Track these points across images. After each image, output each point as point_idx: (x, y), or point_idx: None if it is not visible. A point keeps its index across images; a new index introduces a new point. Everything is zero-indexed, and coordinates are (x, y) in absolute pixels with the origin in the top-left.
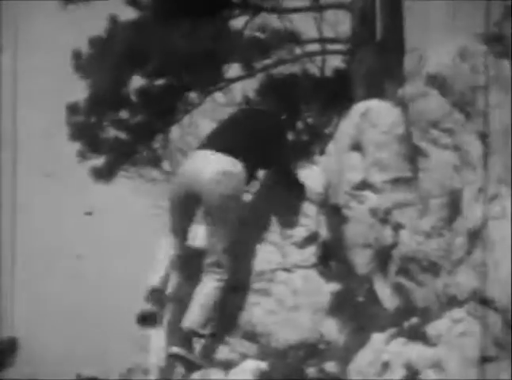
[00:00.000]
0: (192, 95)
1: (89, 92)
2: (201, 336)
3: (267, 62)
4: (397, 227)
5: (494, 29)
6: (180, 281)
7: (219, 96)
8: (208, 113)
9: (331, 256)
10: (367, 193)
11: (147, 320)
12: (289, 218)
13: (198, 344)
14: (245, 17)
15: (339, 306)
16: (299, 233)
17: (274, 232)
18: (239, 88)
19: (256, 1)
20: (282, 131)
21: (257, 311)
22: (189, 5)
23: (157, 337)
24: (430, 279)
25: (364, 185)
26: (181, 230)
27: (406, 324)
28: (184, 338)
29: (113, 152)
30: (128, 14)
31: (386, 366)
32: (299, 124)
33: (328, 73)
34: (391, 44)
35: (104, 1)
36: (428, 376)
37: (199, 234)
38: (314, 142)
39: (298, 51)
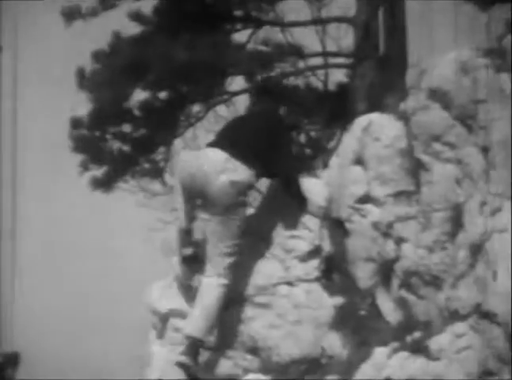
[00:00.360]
0: (195, 108)
1: (92, 106)
2: (204, 343)
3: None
4: (399, 241)
5: (495, 43)
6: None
7: (221, 109)
8: (211, 126)
9: (334, 270)
10: (369, 207)
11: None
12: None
13: (201, 357)
14: (248, 30)
15: (342, 320)
16: (302, 246)
17: (277, 245)
18: (242, 101)
19: (258, 14)
20: (287, 136)
21: (259, 325)
22: (192, 18)
23: (159, 352)
24: (433, 293)
25: (367, 199)
26: (186, 228)
27: (408, 338)
28: (189, 347)
29: (114, 163)
30: (131, 29)
31: None
32: (302, 138)
33: (331, 87)
34: (394, 58)
35: (107, 15)
36: None
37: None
38: (316, 156)
39: (301, 64)
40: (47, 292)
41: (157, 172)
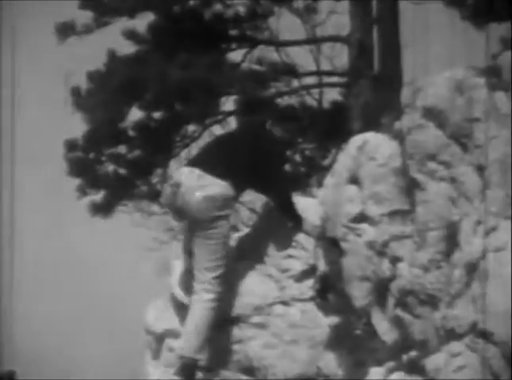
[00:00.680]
0: (190, 128)
1: (87, 126)
2: (197, 361)
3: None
4: (395, 260)
5: (490, 62)
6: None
7: (217, 128)
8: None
9: (329, 290)
10: (364, 226)
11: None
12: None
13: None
14: (243, 49)
15: (337, 340)
16: (297, 266)
17: (271, 265)
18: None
19: (253, 33)
20: (277, 153)
21: (254, 345)
22: (187, 37)
23: (155, 373)
24: (428, 312)
25: (362, 218)
26: (185, 247)
27: (404, 357)
28: (183, 367)
29: (112, 187)
30: (126, 47)
31: None
32: (297, 156)
33: (326, 105)
34: (389, 77)
35: (102, 32)
36: None
37: None
38: (311, 175)
39: (295, 83)
40: (41, 313)
41: (154, 195)
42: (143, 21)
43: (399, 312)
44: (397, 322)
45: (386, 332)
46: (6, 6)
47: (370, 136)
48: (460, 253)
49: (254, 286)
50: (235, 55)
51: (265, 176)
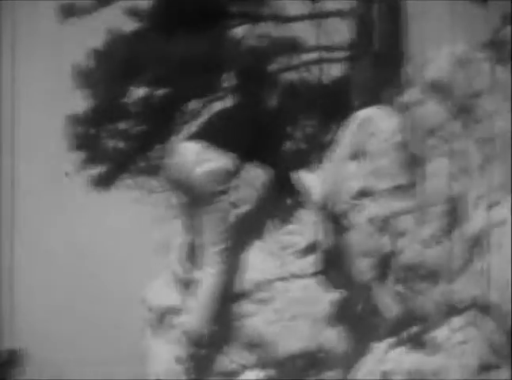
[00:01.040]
0: (191, 105)
1: (88, 103)
2: (203, 336)
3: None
4: (396, 236)
5: (492, 36)
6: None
7: (217, 105)
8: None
9: (330, 266)
10: (366, 202)
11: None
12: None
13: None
14: (244, 26)
15: (339, 315)
16: (299, 242)
17: (273, 242)
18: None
19: (254, 10)
20: (276, 127)
21: (256, 321)
22: (188, 14)
23: (157, 350)
24: (430, 288)
25: (363, 194)
26: (185, 223)
27: (405, 333)
28: (188, 342)
29: (112, 162)
30: (128, 25)
31: (386, 375)
32: (298, 133)
33: (326, 81)
34: (390, 52)
35: (103, 12)
36: None
37: None
38: (312, 151)
39: (296, 59)
40: (45, 291)
41: (154, 170)
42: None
43: (400, 287)
44: (398, 298)
45: (387, 307)
46: None
47: (371, 112)
48: (461, 228)
49: (256, 263)
50: (237, 32)
51: (264, 150)
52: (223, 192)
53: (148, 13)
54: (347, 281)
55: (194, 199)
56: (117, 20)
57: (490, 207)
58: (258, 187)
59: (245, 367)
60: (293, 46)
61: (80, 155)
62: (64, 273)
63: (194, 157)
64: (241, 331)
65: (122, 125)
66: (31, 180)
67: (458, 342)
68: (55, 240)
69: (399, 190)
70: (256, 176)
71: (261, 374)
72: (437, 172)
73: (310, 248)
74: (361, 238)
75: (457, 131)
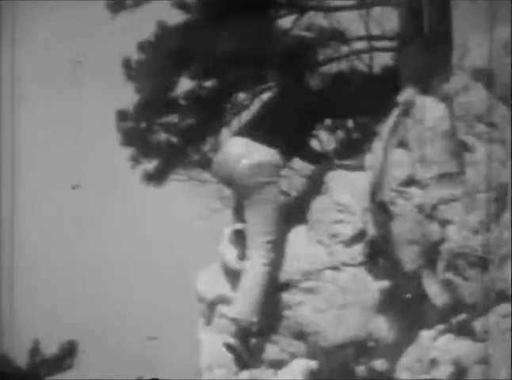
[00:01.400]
0: (241, 96)
1: (138, 97)
2: (251, 325)
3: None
4: (444, 223)
5: None
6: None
7: (266, 96)
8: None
9: (379, 254)
10: (413, 189)
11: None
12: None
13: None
14: (292, 16)
15: (388, 304)
16: (347, 231)
17: (321, 230)
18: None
19: (302, 0)
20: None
21: (305, 310)
22: (236, 5)
23: (208, 339)
24: (479, 275)
25: (411, 182)
26: (235, 214)
27: (454, 320)
28: (237, 330)
29: (164, 156)
30: (176, 18)
31: (434, 362)
32: (349, 122)
33: (376, 70)
34: (439, 40)
35: (151, 5)
36: (476, 372)
37: None
38: (365, 141)
39: (345, 49)
40: (46, 291)
41: (206, 163)
42: None
43: (450, 275)
44: (447, 285)
45: (436, 295)
46: None
47: (418, 99)
48: (509, 215)
49: (304, 252)
50: (284, 22)
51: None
52: (269, 184)
53: (196, 4)
54: (396, 269)
55: (242, 191)
56: (165, 13)
57: None
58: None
59: (294, 356)
60: (341, 35)
61: (132, 150)
62: (112, 261)
63: (240, 150)
64: (290, 320)
65: (173, 118)
66: (32, 178)
67: (506, 328)
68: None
69: (446, 177)
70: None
71: (311, 362)
72: (485, 159)
73: (358, 237)
74: (409, 226)
75: (505, 117)
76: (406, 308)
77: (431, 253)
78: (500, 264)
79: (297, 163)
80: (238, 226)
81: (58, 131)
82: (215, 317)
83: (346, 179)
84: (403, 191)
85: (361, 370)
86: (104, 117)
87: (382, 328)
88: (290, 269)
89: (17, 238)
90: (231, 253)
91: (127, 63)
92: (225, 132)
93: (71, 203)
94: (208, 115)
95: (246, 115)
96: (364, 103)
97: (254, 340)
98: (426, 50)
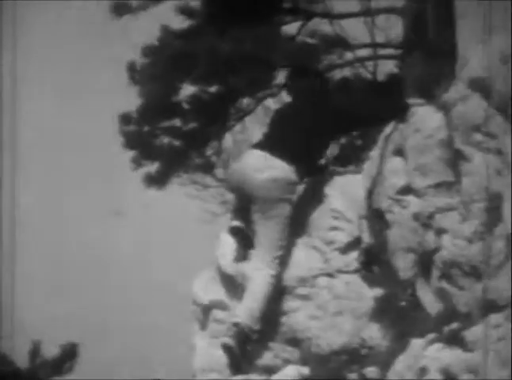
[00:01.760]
0: (245, 101)
1: (141, 100)
2: (253, 330)
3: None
4: (439, 232)
5: None
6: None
7: (270, 102)
8: (260, 119)
9: (374, 261)
10: (410, 198)
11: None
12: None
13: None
14: (297, 23)
15: (382, 311)
16: (342, 238)
17: (316, 237)
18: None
19: (307, 6)
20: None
21: (299, 316)
22: (240, 11)
23: (202, 343)
24: (472, 284)
25: (407, 190)
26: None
27: (445, 329)
28: (237, 334)
29: (167, 159)
30: (180, 23)
31: (424, 371)
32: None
33: (380, 77)
34: (443, 48)
35: (155, 10)
36: None
37: None
38: (367, 148)
39: (349, 56)
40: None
41: (209, 167)
42: None
43: (444, 284)
44: (441, 294)
45: (430, 303)
46: None
47: (416, 108)
48: (503, 225)
49: (300, 258)
50: (289, 28)
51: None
52: (284, 201)
53: (200, 9)
54: (390, 277)
55: (254, 204)
56: (169, 18)
57: None
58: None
59: (287, 362)
60: (345, 42)
61: (135, 152)
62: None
63: (258, 163)
64: (285, 326)
65: (176, 122)
66: (34, 173)
67: (497, 338)
68: (111, 230)
69: (443, 186)
70: None
71: (304, 369)
72: (481, 169)
73: (354, 244)
74: (404, 234)
75: (501, 128)
76: (400, 316)
77: (426, 262)
78: (492, 274)
79: None
80: (235, 223)
81: (59, 132)
82: (210, 321)
83: (343, 186)
84: (399, 199)
85: (353, 377)
86: (106, 120)
87: (375, 335)
88: (286, 275)
89: (18, 239)
90: (227, 258)
91: (131, 67)
92: (228, 136)
93: (73, 203)
94: (211, 119)
95: (251, 119)
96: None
97: (251, 346)
98: (431, 59)
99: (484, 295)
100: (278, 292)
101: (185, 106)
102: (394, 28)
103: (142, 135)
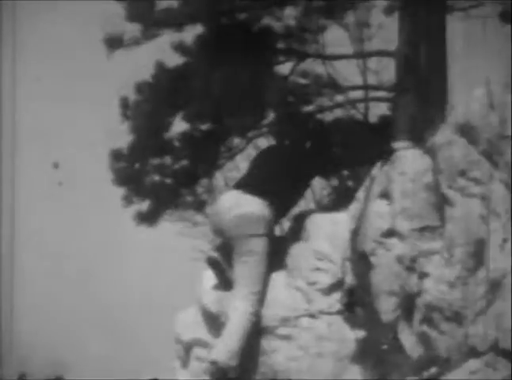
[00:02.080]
0: (236, 140)
1: (132, 137)
2: (230, 367)
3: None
4: (422, 276)
5: None
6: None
7: (261, 141)
8: (251, 158)
9: (356, 303)
10: (394, 240)
11: (213, 263)
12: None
13: None
14: (290, 63)
15: (363, 354)
16: (325, 279)
17: (299, 278)
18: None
19: (301, 47)
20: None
21: (280, 357)
22: (235, 50)
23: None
24: (454, 329)
25: (392, 233)
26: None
27: (425, 373)
28: (216, 373)
29: (157, 196)
30: (174, 59)
31: None
32: (345, 170)
33: (372, 120)
34: (435, 92)
35: (149, 45)
36: None
37: None
38: (357, 189)
39: (341, 97)
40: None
41: (199, 204)
42: (190, 33)
43: (425, 328)
44: (423, 338)
45: (412, 347)
46: None
47: (403, 151)
48: (485, 270)
49: (282, 298)
50: (282, 68)
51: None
52: (257, 237)
53: (194, 47)
54: (373, 319)
55: (229, 242)
56: (163, 54)
57: None
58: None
59: None
60: (337, 84)
61: (125, 189)
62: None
63: (230, 202)
64: (265, 366)
65: (166, 159)
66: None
67: None
68: (95, 265)
69: (427, 230)
70: None
71: None
72: (466, 214)
73: (337, 286)
74: (387, 277)
75: (486, 173)
76: (381, 359)
77: (408, 305)
78: (474, 319)
79: None
80: (212, 253)
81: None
82: (192, 359)
83: (327, 227)
84: (383, 241)
85: None
86: (98, 155)
87: (356, 378)
88: (267, 315)
89: (19, 241)
90: (209, 297)
91: (123, 103)
92: (219, 175)
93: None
94: (202, 157)
95: (242, 157)
96: (359, 153)
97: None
98: (422, 102)
99: (465, 340)
100: (257, 329)
101: (177, 143)
102: (386, 71)
103: (132, 172)
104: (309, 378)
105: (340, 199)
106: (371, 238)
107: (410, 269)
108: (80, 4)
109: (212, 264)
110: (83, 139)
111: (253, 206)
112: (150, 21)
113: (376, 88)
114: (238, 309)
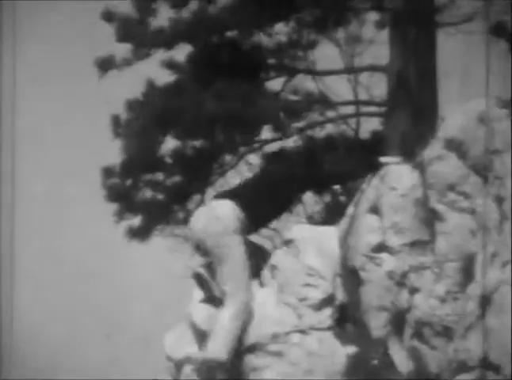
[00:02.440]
0: (227, 156)
1: (124, 154)
2: (221, 363)
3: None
4: (413, 291)
5: None
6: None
7: (252, 157)
8: (242, 174)
9: (347, 319)
10: (384, 256)
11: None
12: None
13: None
14: (281, 79)
15: (354, 369)
16: (316, 295)
17: (290, 294)
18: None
19: (291, 63)
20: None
21: (271, 373)
22: (225, 67)
23: None
24: (444, 344)
25: (382, 248)
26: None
27: None
28: (206, 369)
29: (149, 212)
30: (165, 78)
31: None
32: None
33: (363, 135)
34: (426, 108)
35: (140, 64)
36: None
37: None
38: (349, 204)
39: (332, 113)
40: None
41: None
42: (181, 51)
43: (416, 343)
44: (413, 353)
45: (402, 362)
46: None
47: (392, 166)
48: (475, 285)
49: (272, 314)
50: (273, 84)
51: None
52: (230, 240)
53: (185, 65)
54: (363, 335)
55: (203, 248)
56: (154, 72)
57: (504, 265)
58: None
59: None
60: (328, 100)
61: (117, 206)
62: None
63: (203, 209)
64: None
65: (158, 176)
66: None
67: None
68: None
69: (417, 245)
70: None
71: None
72: (456, 228)
73: (327, 301)
74: (378, 292)
75: (476, 188)
76: (372, 374)
77: (399, 320)
78: (464, 335)
79: None
80: (199, 269)
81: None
82: (183, 376)
83: (317, 243)
84: (373, 256)
85: None
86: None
87: None
88: (258, 331)
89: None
90: (199, 314)
91: (115, 121)
92: (210, 191)
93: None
94: (194, 174)
95: (233, 174)
96: (350, 168)
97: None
98: (413, 117)
99: (455, 355)
100: (246, 326)
101: (168, 160)
102: (377, 86)
103: (124, 189)
104: None
105: (331, 215)
106: (361, 253)
107: (401, 284)
108: (80, 4)
109: (199, 279)
110: (83, 139)
111: (223, 207)
112: (142, 41)
113: (368, 103)
114: (227, 307)
